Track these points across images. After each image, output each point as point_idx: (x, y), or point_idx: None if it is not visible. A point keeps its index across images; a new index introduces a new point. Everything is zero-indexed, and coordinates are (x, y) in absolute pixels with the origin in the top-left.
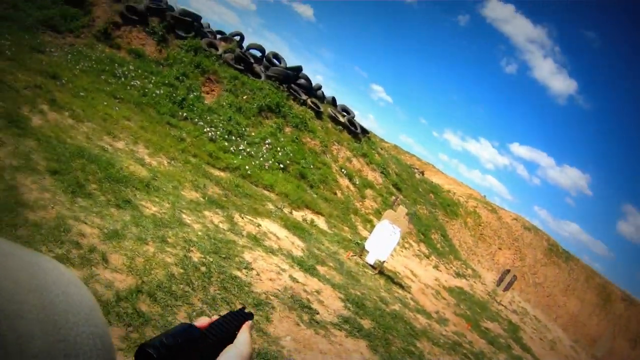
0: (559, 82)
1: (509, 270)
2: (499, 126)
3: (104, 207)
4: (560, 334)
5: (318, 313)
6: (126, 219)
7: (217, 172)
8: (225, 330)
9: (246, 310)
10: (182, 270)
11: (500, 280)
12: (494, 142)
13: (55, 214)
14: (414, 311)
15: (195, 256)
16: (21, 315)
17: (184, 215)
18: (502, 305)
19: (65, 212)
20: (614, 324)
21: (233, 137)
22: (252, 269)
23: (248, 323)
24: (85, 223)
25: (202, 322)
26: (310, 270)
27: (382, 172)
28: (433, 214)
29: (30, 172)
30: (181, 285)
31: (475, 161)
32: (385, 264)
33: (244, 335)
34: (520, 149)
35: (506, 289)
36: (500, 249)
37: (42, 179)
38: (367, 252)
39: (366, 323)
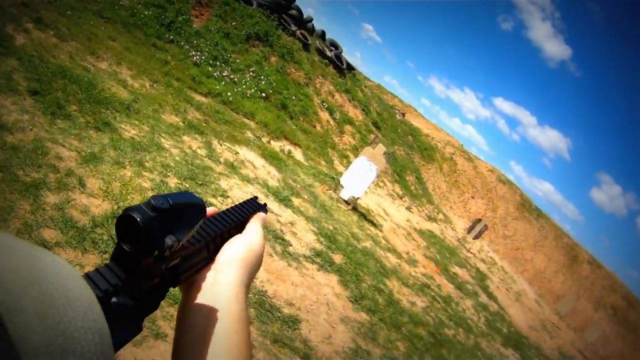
0: (554, 47)
1: (480, 219)
2: (486, 79)
3: (83, 129)
4: (526, 288)
5: (291, 245)
6: (104, 142)
7: (198, 97)
8: (235, 218)
9: (258, 200)
10: None
11: (471, 228)
12: (478, 93)
13: (34, 137)
14: (385, 250)
15: (172, 182)
16: (21, 308)
17: (162, 140)
18: (471, 252)
19: (43, 134)
20: (578, 285)
21: (218, 63)
22: (228, 196)
23: (260, 214)
24: (64, 146)
25: (209, 212)
26: (285, 201)
27: (363, 110)
28: (410, 156)
29: (11, 93)
30: None
31: (456, 109)
32: (359, 201)
33: (254, 224)
34: (503, 104)
35: (476, 237)
36: (473, 197)
37: (23, 99)
38: (342, 187)
39: (337, 258)
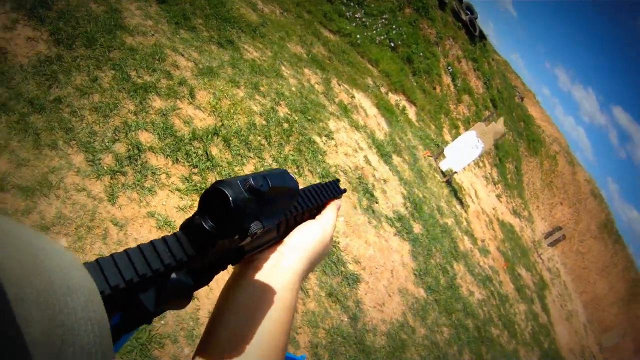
0: None
1: (560, 228)
2: (612, 83)
3: (205, 42)
4: (580, 309)
5: (377, 202)
6: (224, 59)
7: (327, 34)
8: (313, 201)
9: (341, 186)
10: (264, 122)
11: (549, 234)
12: (600, 96)
13: (154, 42)
14: (464, 232)
15: (282, 111)
16: (23, 298)
17: (283, 68)
18: (541, 258)
19: (164, 41)
20: (630, 323)
21: (352, 4)
22: (332, 138)
23: (336, 202)
24: (182, 55)
25: None
26: (385, 157)
27: (485, 83)
28: (516, 143)
29: None
30: (258, 137)
31: (574, 108)
32: (455, 176)
33: (330, 214)
34: (621, 115)
35: (552, 244)
36: (561, 204)
37: (149, 6)
38: (444, 156)
39: (417, 227)
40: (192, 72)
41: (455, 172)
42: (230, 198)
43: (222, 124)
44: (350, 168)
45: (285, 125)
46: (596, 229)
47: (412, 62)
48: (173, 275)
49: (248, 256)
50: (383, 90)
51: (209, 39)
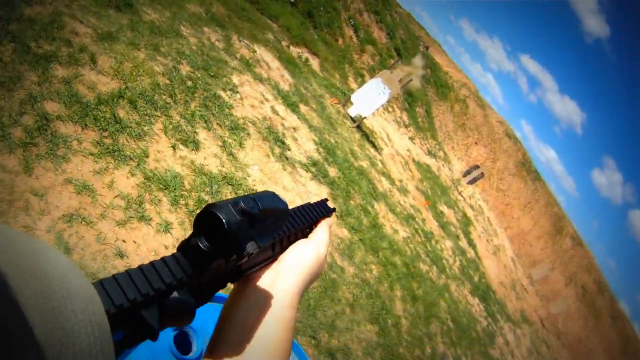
0: (594, 23)
1: (478, 166)
2: (518, 33)
3: (103, 7)
4: (506, 244)
5: (290, 149)
6: (123, 22)
7: None
8: (305, 220)
9: (328, 203)
10: (167, 81)
11: (468, 172)
12: (506, 45)
13: (52, 10)
14: (380, 173)
15: (184, 69)
16: (22, 301)
17: (182, 27)
18: (462, 196)
19: (62, 8)
20: (556, 256)
21: None
22: (237, 92)
23: (327, 220)
24: (81, 22)
25: None
26: (292, 106)
27: (388, 34)
28: (424, 88)
29: None
30: (164, 96)
31: (480, 56)
32: (365, 121)
33: (323, 233)
34: (529, 62)
35: (471, 182)
36: (476, 143)
37: None
38: (352, 104)
39: (332, 171)
40: (91, 38)
41: (365, 118)
42: (224, 220)
43: (127, 87)
44: (258, 119)
45: (189, 83)
46: (514, 167)
47: (312, 17)
48: (175, 293)
49: (246, 275)
50: (284, 44)
51: (107, 3)
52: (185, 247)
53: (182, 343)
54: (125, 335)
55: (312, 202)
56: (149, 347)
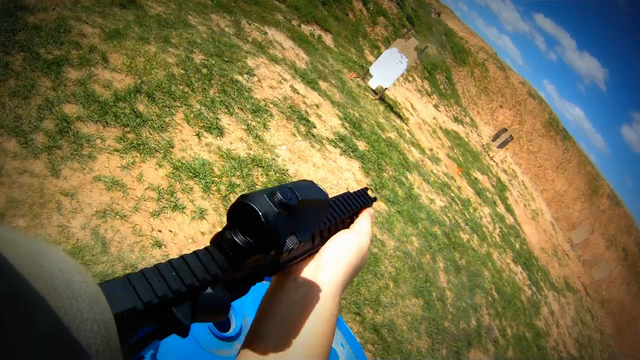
0: None
1: (506, 129)
2: None
3: (107, 6)
4: (544, 208)
5: (315, 127)
6: (129, 19)
7: None
8: (345, 211)
9: (369, 192)
10: (182, 71)
11: (497, 136)
12: (518, 6)
13: (56, 15)
14: (409, 143)
15: (198, 58)
16: (26, 301)
17: (189, 17)
18: (494, 161)
19: (66, 12)
20: (595, 217)
21: None
22: (254, 75)
23: (369, 210)
24: (87, 23)
25: None
26: (311, 84)
27: (398, 4)
28: (442, 55)
29: None
30: (181, 86)
31: (494, 19)
32: (386, 92)
33: (365, 223)
34: (544, 22)
35: (501, 146)
36: (501, 107)
37: None
38: (371, 76)
39: (361, 145)
40: (99, 38)
41: (386, 89)
42: (260, 213)
43: (142, 81)
44: (279, 99)
45: (204, 71)
46: (542, 128)
47: None
48: (208, 289)
49: (284, 268)
50: (295, 23)
51: (110, 2)
52: (219, 240)
53: (220, 323)
54: (156, 330)
55: (351, 191)
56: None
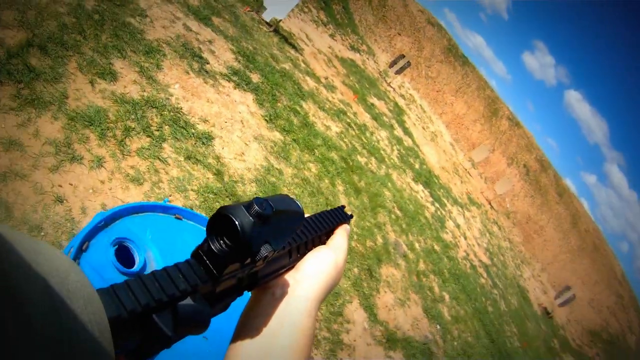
0: None
1: (403, 55)
2: None
3: None
4: (443, 130)
5: (208, 63)
6: None
7: None
8: (322, 227)
9: (346, 210)
10: (74, 19)
11: (394, 63)
12: None
13: None
14: (304, 73)
15: (89, 4)
16: (23, 302)
17: None
18: (391, 87)
19: None
20: (495, 138)
21: None
22: (147, 16)
23: (345, 227)
24: None
25: None
26: (204, 20)
27: None
28: None
29: None
30: (73, 35)
31: None
32: (281, 24)
33: (341, 239)
34: None
35: (398, 72)
36: (399, 34)
37: None
38: (265, 8)
39: (255, 77)
40: None
41: (280, 20)
42: (237, 222)
43: (34, 34)
44: (172, 38)
45: (97, 17)
46: (441, 54)
47: None
48: (188, 300)
49: (262, 282)
50: None
51: None
52: (198, 252)
53: (123, 257)
54: (140, 345)
55: (328, 209)
56: (92, 266)
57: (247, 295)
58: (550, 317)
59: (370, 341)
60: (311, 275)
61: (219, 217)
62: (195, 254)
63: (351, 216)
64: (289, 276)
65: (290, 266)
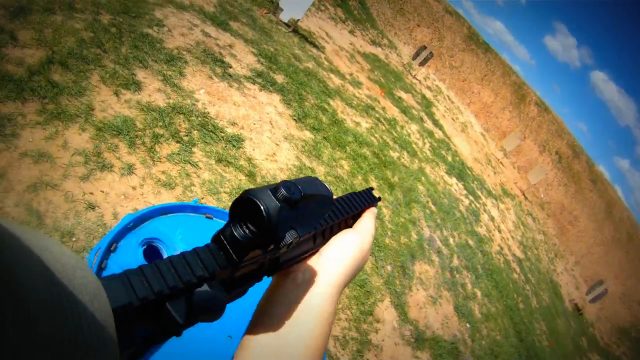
0: None
1: (425, 47)
2: None
3: None
4: (472, 120)
5: (231, 67)
6: None
7: None
8: (349, 210)
9: (374, 192)
10: (92, 34)
11: (417, 54)
12: None
13: None
14: (328, 71)
15: (105, 19)
16: (29, 298)
17: None
18: (417, 79)
19: None
20: (525, 125)
21: None
22: (164, 25)
23: (373, 209)
24: None
25: None
26: (222, 25)
27: None
28: None
29: None
30: (92, 49)
31: None
32: (299, 23)
33: (368, 222)
34: None
35: (422, 63)
36: (419, 26)
37: None
38: (282, 9)
39: (279, 78)
40: (4, 18)
41: (299, 20)
42: (262, 207)
43: (53, 51)
44: (192, 45)
45: (114, 30)
46: (462, 42)
47: None
48: (205, 287)
49: (284, 267)
50: None
51: None
52: (219, 237)
53: (152, 257)
54: (151, 331)
55: (356, 191)
56: (119, 266)
57: (268, 281)
58: (580, 314)
59: (398, 341)
60: (335, 259)
61: (243, 200)
62: (216, 239)
63: (379, 198)
64: (312, 261)
65: (314, 250)
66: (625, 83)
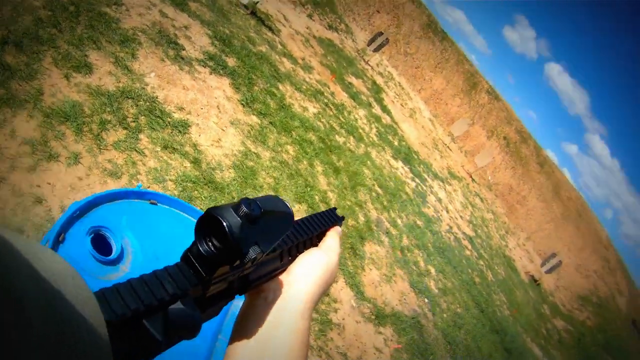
0: None
1: (382, 33)
2: None
3: None
4: (422, 106)
5: (184, 49)
6: None
7: None
8: (313, 230)
9: (337, 212)
10: (50, 13)
11: (372, 40)
12: None
13: None
14: (281, 55)
15: None
16: (23, 304)
17: None
18: (369, 65)
19: None
20: (474, 111)
21: None
22: (122, 4)
23: (337, 228)
24: None
25: None
26: (181, 6)
27: None
28: None
29: None
30: (48, 29)
31: None
32: (258, 6)
33: (332, 240)
34: None
35: (376, 50)
36: (378, 11)
37: None
38: None
39: (231, 61)
40: None
41: (257, 2)
42: (225, 224)
43: (9, 31)
44: (147, 26)
45: (72, 8)
46: (420, 30)
47: None
48: (178, 304)
49: (254, 286)
50: None
51: None
52: (187, 255)
53: (100, 245)
54: (131, 350)
55: (319, 211)
56: (69, 256)
57: None
58: (537, 285)
59: (359, 319)
60: (304, 275)
61: (206, 218)
62: (185, 257)
63: (343, 218)
64: (282, 279)
65: (282, 269)
66: (581, 75)
